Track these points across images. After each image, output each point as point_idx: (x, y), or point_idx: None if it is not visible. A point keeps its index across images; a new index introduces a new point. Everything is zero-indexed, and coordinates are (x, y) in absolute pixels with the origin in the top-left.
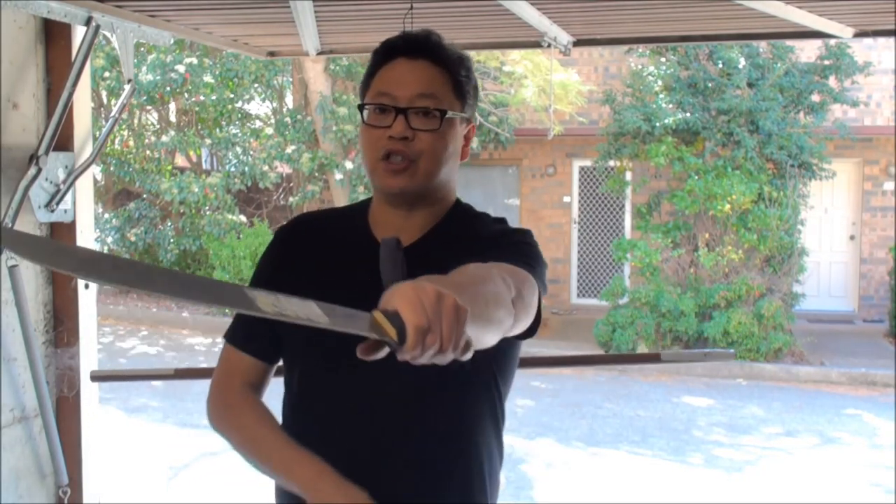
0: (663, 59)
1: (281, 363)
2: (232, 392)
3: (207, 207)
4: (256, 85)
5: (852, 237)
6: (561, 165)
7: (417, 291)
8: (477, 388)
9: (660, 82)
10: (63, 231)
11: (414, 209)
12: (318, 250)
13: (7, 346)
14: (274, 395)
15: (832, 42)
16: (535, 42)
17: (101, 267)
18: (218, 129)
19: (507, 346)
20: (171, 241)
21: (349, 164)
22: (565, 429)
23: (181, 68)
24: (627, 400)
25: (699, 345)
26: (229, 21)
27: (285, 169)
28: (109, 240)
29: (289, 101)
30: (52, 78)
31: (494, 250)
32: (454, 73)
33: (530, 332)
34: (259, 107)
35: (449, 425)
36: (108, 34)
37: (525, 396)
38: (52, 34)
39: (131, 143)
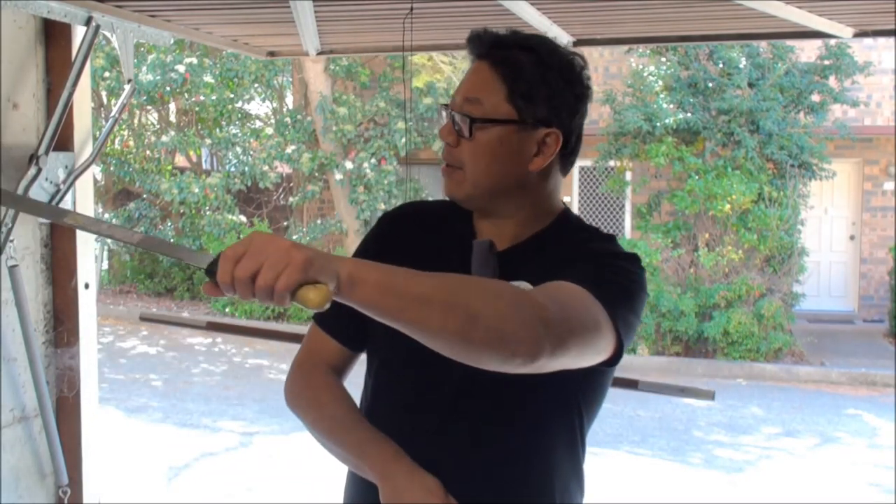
0: (663, 59)
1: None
2: (314, 372)
3: (207, 207)
4: (256, 85)
5: (852, 237)
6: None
7: (255, 235)
8: (557, 411)
9: (660, 82)
10: (63, 231)
11: (493, 217)
12: (417, 239)
13: (7, 346)
14: (354, 385)
15: (832, 42)
16: None
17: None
18: (218, 129)
19: (593, 374)
20: (172, 241)
21: (349, 164)
22: None
23: (181, 68)
24: (627, 400)
25: (699, 345)
26: (229, 21)
27: (285, 169)
28: (109, 240)
29: (289, 101)
30: (52, 78)
31: (578, 266)
32: (511, 76)
33: (612, 361)
34: (259, 107)
35: (521, 445)
36: (108, 34)
37: None
38: (52, 34)
39: (131, 143)
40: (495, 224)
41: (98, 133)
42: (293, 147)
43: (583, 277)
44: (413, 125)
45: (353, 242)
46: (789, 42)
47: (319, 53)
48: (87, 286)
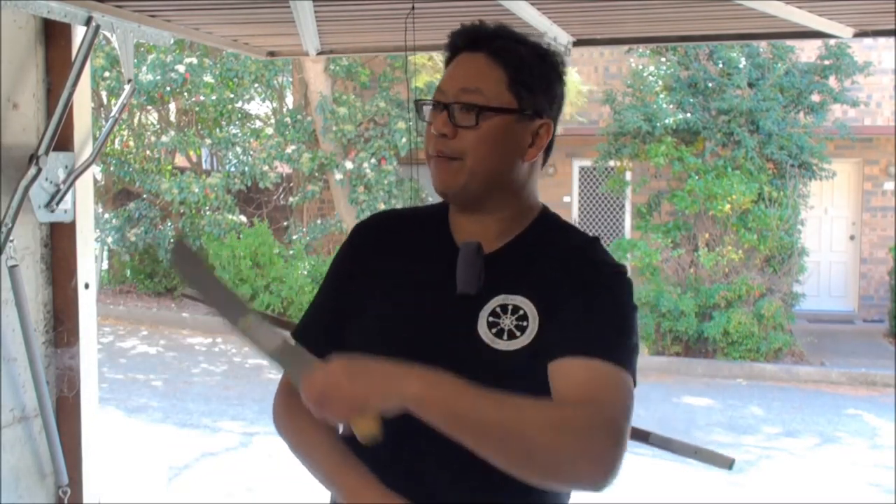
0: (663, 59)
1: None
2: (293, 394)
3: (207, 207)
4: (256, 85)
5: (852, 237)
6: (561, 165)
7: (324, 378)
8: None
9: (660, 82)
10: (63, 231)
11: (479, 213)
12: (394, 248)
13: (7, 346)
14: None
15: (832, 42)
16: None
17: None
18: (218, 129)
19: None
20: (171, 241)
21: (349, 164)
22: None
23: (181, 68)
24: None
25: (699, 345)
26: (229, 21)
27: (285, 169)
28: (109, 240)
29: (289, 101)
30: (52, 78)
31: (576, 305)
32: (511, 66)
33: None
34: (259, 107)
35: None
36: (108, 34)
37: None
38: (52, 34)
39: (131, 143)
40: (478, 223)
41: (98, 133)
42: (293, 147)
43: (590, 342)
44: (413, 125)
45: None
46: (789, 42)
47: (319, 53)
48: (87, 286)
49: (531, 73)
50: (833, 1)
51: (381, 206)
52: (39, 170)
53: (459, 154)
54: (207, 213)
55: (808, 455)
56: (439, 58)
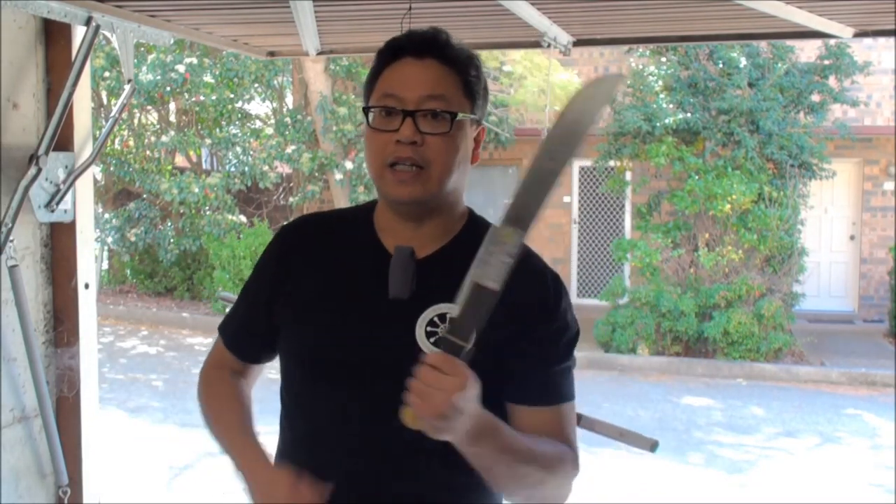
0: (663, 59)
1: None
2: (214, 371)
3: (207, 207)
4: (256, 85)
5: (852, 237)
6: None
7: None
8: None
9: (660, 82)
10: (63, 231)
11: (423, 220)
12: (322, 253)
13: (7, 346)
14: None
15: (832, 42)
16: (535, 42)
17: None
18: (218, 129)
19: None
20: (171, 241)
21: (349, 164)
22: None
23: (181, 68)
24: (627, 400)
25: (699, 345)
26: (229, 21)
27: (285, 169)
28: (109, 240)
29: (289, 101)
30: (52, 78)
31: (527, 347)
32: (463, 72)
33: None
34: (259, 107)
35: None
36: (108, 34)
37: None
38: (52, 34)
39: (131, 143)
40: (412, 228)
41: (98, 133)
42: (293, 147)
43: (550, 393)
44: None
45: None
46: (789, 42)
47: (319, 53)
48: (87, 286)
49: (478, 80)
50: (833, 1)
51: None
52: (39, 170)
53: (425, 162)
54: (207, 213)
55: (808, 455)
56: None
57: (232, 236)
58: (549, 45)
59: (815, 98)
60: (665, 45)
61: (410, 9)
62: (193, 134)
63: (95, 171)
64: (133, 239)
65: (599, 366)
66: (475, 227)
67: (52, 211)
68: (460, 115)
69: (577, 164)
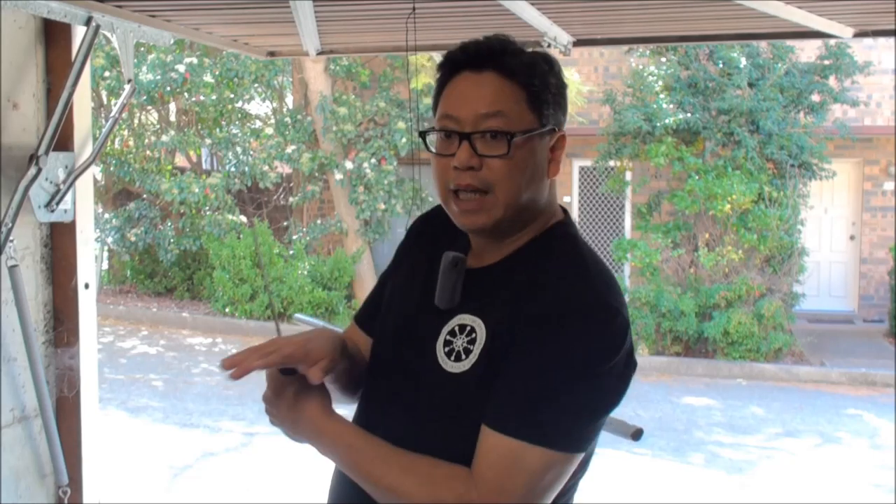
0: (663, 59)
1: None
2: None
3: (207, 207)
4: (256, 85)
5: (852, 237)
6: (561, 165)
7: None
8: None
9: (660, 82)
10: (63, 231)
11: (500, 237)
12: (428, 247)
13: (7, 346)
14: None
15: (832, 42)
16: (535, 42)
17: None
18: (218, 129)
19: None
20: (171, 241)
21: (349, 164)
22: None
23: (181, 68)
24: (627, 400)
25: (699, 345)
26: (229, 21)
27: (285, 169)
28: (109, 240)
29: (289, 101)
30: (52, 78)
31: (514, 361)
32: (525, 82)
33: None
34: (259, 107)
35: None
36: (108, 34)
37: None
38: (52, 34)
39: (131, 143)
40: (490, 240)
41: (98, 133)
42: (293, 147)
43: (504, 416)
44: (414, 125)
45: (353, 242)
46: (789, 42)
47: (319, 53)
48: (87, 286)
49: (546, 86)
50: (833, 1)
51: (381, 207)
52: (39, 170)
53: (488, 186)
54: (207, 213)
55: (808, 455)
56: (439, 57)
57: (232, 236)
58: (549, 45)
59: (815, 98)
60: (665, 45)
61: (414, 9)
62: (193, 134)
63: (95, 171)
64: (133, 239)
65: None
66: (544, 241)
67: (52, 211)
68: (518, 136)
69: (577, 164)
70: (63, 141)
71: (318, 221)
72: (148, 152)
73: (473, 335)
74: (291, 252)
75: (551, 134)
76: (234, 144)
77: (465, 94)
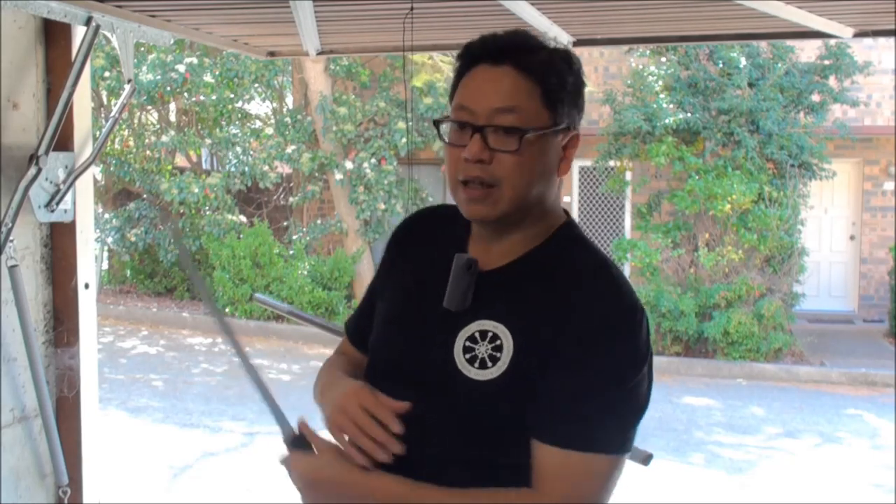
0: (663, 59)
1: None
2: (333, 356)
3: (207, 207)
4: (256, 85)
5: (852, 237)
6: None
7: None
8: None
9: (660, 82)
10: (63, 231)
11: (503, 233)
12: (419, 249)
13: (7, 346)
14: None
15: (832, 42)
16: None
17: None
18: (218, 129)
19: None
20: (172, 241)
21: (349, 164)
22: None
23: (181, 68)
24: None
25: (699, 345)
26: (229, 21)
27: (285, 169)
28: (109, 240)
29: (289, 101)
30: (52, 78)
31: (563, 376)
32: (542, 80)
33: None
34: (259, 107)
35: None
36: (108, 34)
37: None
38: (52, 34)
39: (131, 143)
40: (497, 237)
41: (98, 133)
42: (293, 147)
43: (567, 432)
44: (413, 125)
45: (353, 242)
46: (789, 42)
47: (319, 53)
48: (87, 286)
49: (563, 84)
50: (833, 1)
51: (381, 207)
52: (39, 170)
53: (496, 180)
54: (207, 213)
55: (808, 455)
56: (439, 57)
57: (232, 236)
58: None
59: (815, 98)
60: (665, 45)
61: (412, 9)
62: (193, 134)
63: (95, 171)
64: (133, 239)
65: None
66: (558, 240)
67: (52, 211)
68: (530, 133)
69: (577, 164)
70: (63, 141)
71: (318, 221)
72: (148, 152)
73: (498, 342)
74: (291, 252)
75: (565, 132)
76: (234, 144)
77: (481, 87)
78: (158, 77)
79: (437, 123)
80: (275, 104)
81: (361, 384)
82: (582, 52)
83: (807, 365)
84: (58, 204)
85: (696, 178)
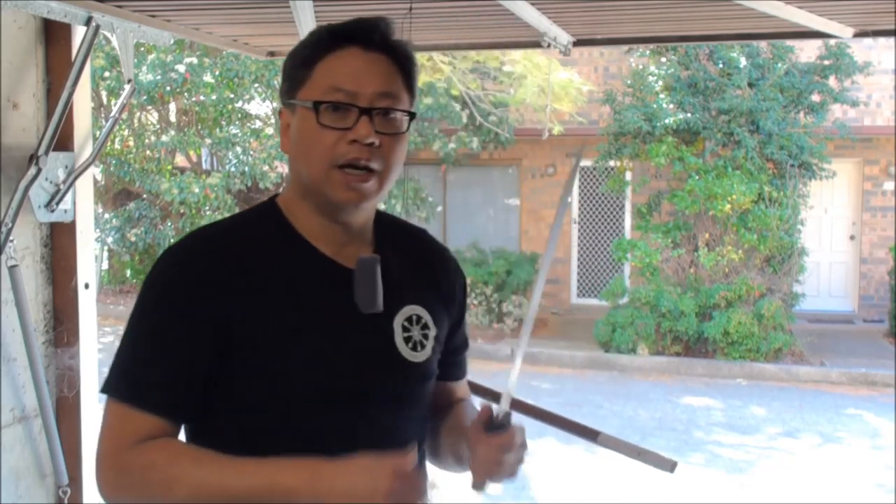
0: (663, 59)
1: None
2: (137, 449)
3: (207, 207)
4: (256, 85)
5: (852, 237)
6: (561, 165)
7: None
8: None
9: (660, 82)
10: (63, 231)
11: (354, 224)
12: (254, 277)
13: (7, 346)
14: None
15: (832, 42)
16: (535, 42)
17: None
18: (218, 129)
19: None
20: (171, 241)
21: None
22: None
23: (181, 68)
24: (627, 400)
25: (699, 345)
26: (229, 21)
27: (285, 169)
28: (109, 240)
29: None
30: (52, 78)
31: (459, 326)
32: (408, 69)
33: None
34: (259, 107)
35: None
36: (108, 34)
37: (525, 396)
38: (52, 34)
39: (131, 143)
40: (346, 232)
41: (98, 133)
42: None
43: (465, 366)
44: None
45: None
46: (789, 42)
47: None
48: (87, 286)
49: (416, 79)
50: (833, 1)
51: (381, 207)
52: (39, 170)
53: (382, 164)
54: (207, 213)
55: (808, 455)
56: (438, 57)
57: None
58: (549, 45)
59: (815, 98)
60: (665, 45)
61: (411, 9)
62: (193, 134)
63: (95, 171)
64: (133, 239)
65: (599, 366)
66: (385, 222)
67: (52, 211)
68: (410, 118)
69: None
70: (63, 141)
71: None
72: (148, 152)
73: (423, 321)
74: None
75: (412, 119)
76: (234, 144)
77: (359, 71)
78: (158, 77)
79: (316, 107)
80: (275, 104)
81: (362, 460)
82: (582, 52)
83: (807, 365)
84: (58, 204)
85: (696, 178)
